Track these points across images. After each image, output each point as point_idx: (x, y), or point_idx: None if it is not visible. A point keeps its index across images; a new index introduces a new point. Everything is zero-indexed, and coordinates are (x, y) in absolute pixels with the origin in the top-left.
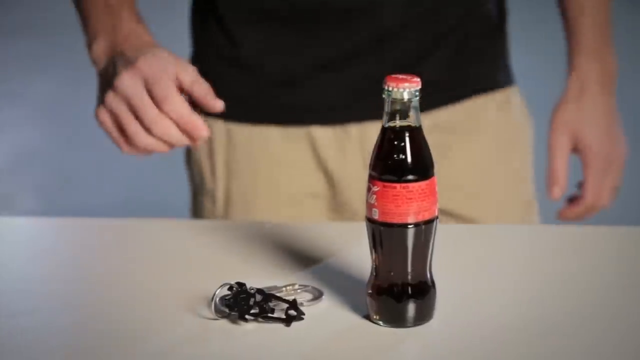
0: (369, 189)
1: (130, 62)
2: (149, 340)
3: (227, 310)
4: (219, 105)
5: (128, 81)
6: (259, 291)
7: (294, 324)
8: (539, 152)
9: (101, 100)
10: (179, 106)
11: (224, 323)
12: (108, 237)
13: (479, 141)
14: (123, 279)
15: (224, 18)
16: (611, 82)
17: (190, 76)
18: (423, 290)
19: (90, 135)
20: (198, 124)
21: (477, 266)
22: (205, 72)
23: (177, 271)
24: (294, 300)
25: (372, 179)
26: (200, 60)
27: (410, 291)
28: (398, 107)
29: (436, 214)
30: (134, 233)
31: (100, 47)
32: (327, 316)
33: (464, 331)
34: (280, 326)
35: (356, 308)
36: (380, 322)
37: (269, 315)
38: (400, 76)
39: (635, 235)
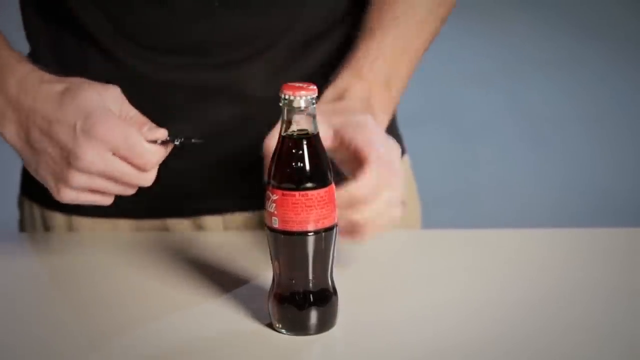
0: (268, 198)
1: (84, 132)
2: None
3: None
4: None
5: (95, 157)
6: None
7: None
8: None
9: (48, 180)
10: (158, 157)
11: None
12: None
13: None
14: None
15: None
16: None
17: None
18: (325, 298)
19: None
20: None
21: (381, 272)
22: None
23: None
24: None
25: (271, 187)
26: None
27: (312, 299)
28: (295, 115)
29: (335, 221)
30: None
31: None
32: (230, 324)
33: (367, 338)
34: (179, 332)
35: (259, 316)
36: (283, 330)
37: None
38: (297, 84)
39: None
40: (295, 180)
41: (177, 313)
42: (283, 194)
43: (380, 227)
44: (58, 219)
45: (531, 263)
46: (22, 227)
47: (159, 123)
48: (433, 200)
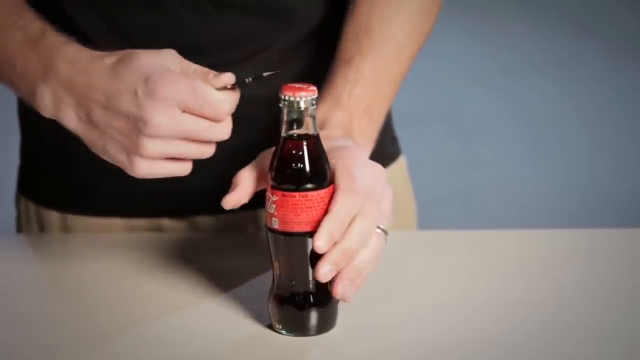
0: (268, 198)
1: (147, 94)
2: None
3: None
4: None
5: (164, 118)
6: None
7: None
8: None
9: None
10: (231, 104)
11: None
12: None
13: None
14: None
15: None
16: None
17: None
18: (325, 299)
19: None
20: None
21: (381, 273)
22: (37, 160)
23: None
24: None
25: (271, 188)
26: (31, 146)
27: (312, 299)
28: (295, 115)
29: None
30: None
31: (48, 97)
32: (230, 325)
33: (367, 339)
34: (179, 333)
35: (259, 317)
36: (283, 331)
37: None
38: (297, 85)
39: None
40: (295, 181)
41: (177, 314)
42: (283, 195)
43: (367, 262)
44: (53, 217)
45: (531, 263)
46: (19, 225)
47: None
48: (433, 201)
